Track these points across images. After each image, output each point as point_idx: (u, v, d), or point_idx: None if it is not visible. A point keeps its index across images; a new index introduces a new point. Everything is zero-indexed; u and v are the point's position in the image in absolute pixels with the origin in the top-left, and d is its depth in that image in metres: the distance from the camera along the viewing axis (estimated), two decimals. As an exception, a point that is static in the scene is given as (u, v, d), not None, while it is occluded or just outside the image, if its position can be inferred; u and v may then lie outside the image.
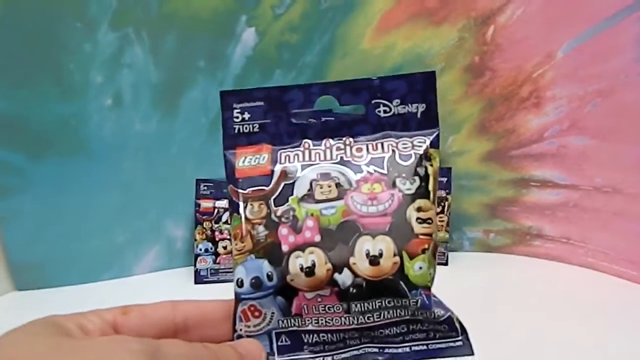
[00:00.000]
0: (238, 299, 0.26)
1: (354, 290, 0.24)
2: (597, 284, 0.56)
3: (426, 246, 0.25)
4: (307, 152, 0.28)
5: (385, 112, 0.27)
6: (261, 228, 0.26)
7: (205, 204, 0.61)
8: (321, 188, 0.26)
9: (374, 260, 0.24)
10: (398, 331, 0.25)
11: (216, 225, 0.61)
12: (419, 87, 0.27)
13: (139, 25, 0.54)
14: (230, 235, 0.61)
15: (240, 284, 0.26)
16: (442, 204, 0.61)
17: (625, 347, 0.43)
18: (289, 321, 0.25)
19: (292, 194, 0.27)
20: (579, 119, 0.56)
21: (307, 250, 0.25)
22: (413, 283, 0.24)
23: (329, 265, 0.25)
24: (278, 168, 0.27)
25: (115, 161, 0.58)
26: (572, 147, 0.58)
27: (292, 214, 0.26)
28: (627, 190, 0.55)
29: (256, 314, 0.25)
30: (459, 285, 0.55)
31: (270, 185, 0.27)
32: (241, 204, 0.27)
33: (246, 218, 0.27)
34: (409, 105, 0.27)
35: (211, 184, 0.61)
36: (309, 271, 0.25)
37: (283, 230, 0.26)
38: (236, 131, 0.28)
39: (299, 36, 0.57)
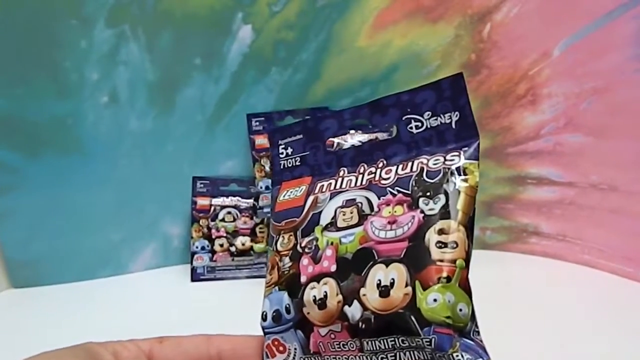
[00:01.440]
0: (263, 333, 0.25)
1: (363, 326, 0.22)
2: (593, 281, 0.56)
3: (444, 274, 0.21)
4: (340, 179, 0.26)
5: (417, 127, 0.25)
6: (287, 260, 0.26)
7: (202, 201, 0.61)
8: (344, 215, 0.25)
9: (384, 291, 0.21)
10: None
11: (212, 223, 0.61)
12: (447, 94, 0.24)
13: (135, 22, 0.54)
14: (226, 233, 0.61)
15: (264, 317, 0.25)
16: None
17: (620, 344, 0.43)
18: (310, 359, 0.24)
19: (318, 224, 0.25)
20: (575, 116, 0.56)
21: (322, 281, 0.23)
22: (425, 318, 0.21)
23: (340, 297, 0.23)
24: (310, 198, 0.26)
25: (111, 159, 0.58)
26: (569, 145, 0.58)
27: (314, 244, 0.25)
28: (623, 188, 0.55)
29: (280, 348, 0.24)
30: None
31: (301, 216, 0.26)
32: (275, 237, 0.27)
33: (277, 250, 0.26)
34: (441, 116, 0.24)
35: (207, 182, 0.61)
36: (321, 303, 0.23)
37: (304, 261, 0.25)
38: (282, 167, 0.28)
39: (295, 34, 0.57)
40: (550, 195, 0.60)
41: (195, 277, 0.61)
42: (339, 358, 0.22)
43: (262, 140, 0.60)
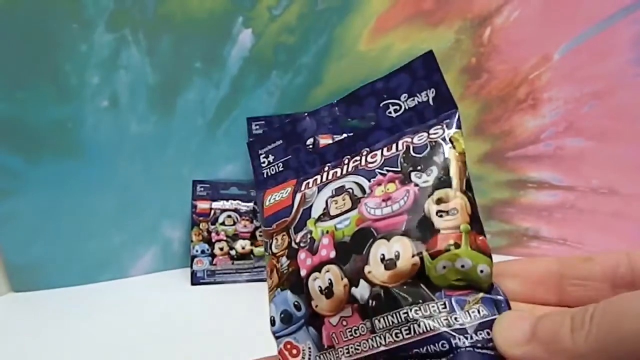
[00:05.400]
0: (275, 338, 0.25)
1: (373, 303, 0.21)
2: (594, 285, 0.56)
3: (451, 241, 0.21)
4: (325, 174, 0.26)
5: (396, 111, 0.25)
6: (284, 259, 0.25)
7: (202, 205, 0.61)
8: (336, 203, 0.25)
9: (389, 263, 0.21)
10: (437, 349, 0.20)
11: (212, 227, 0.61)
12: (421, 73, 0.24)
13: (136, 26, 0.54)
14: (227, 236, 0.61)
15: (272, 322, 0.25)
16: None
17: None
18: (324, 356, 0.23)
19: (309, 217, 0.25)
20: (576, 120, 0.56)
21: (323, 270, 0.23)
22: (435, 284, 0.21)
23: (345, 281, 0.22)
24: (298, 196, 0.26)
25: (112, 163, 0.58)
26: (569, 149, 0.58)
27: (309, 237, 0.24)
28: (624, 191, 0.55)
29: (294, 351, 0.24)
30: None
31: (291, 215, 0.26)
32: (269, 241, 0.26)
33: (272, 253, 0.26)
34: (418, 95, 0.24)
35: (208, 185, 0.61)
36: (328, 291, 0.23)
37: (301, 255, 0.24)
38: (265, 176, 0.28)
39: (295, 37, 0.57)
40: (550, 199, 0.60)
41: (195, 280, 0.61)
42: (352, 347, 0.22)
43: (262, 144, 0.60)
